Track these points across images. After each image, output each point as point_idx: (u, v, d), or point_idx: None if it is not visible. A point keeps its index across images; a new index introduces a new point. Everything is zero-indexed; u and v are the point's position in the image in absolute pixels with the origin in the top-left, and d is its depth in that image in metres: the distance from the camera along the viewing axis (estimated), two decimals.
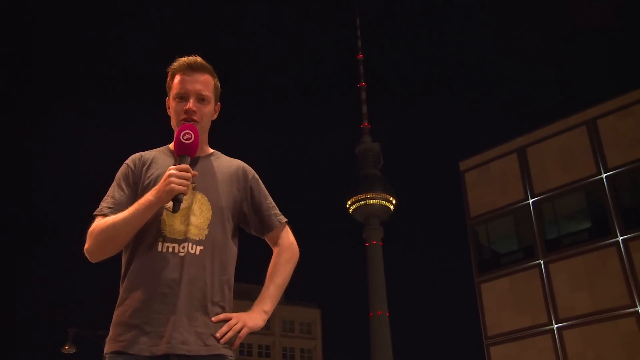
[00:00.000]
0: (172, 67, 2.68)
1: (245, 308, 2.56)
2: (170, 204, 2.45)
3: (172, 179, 2.36)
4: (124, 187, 2.59)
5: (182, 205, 2.46)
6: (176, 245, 2.44)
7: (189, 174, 2.39)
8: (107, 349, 2.38)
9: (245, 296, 27.12)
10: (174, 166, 2.42)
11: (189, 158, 2.48)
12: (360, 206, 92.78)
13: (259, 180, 2.76)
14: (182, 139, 2.46)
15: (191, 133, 2.47)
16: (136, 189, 2.57)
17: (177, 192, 2.36)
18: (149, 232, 2.46)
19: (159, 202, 2.39)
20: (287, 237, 2.75)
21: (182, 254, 2.42)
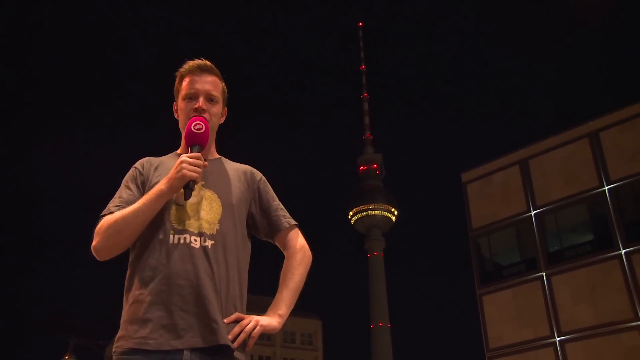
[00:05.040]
0: (181, 70, 2.69)
1: None
2: (180, 199, 2.44)
3: (184, 165, 2.35)
4: (131, 187, 2.56)
5: (191, 201, 2.44)
6: (187, 236, 2.39)
7: (200, 162, 2.39)
8: (120, 346, 2.30)
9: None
10: (186, 154, 2.41)
11: (201, 148, 2.48)
12: (362, 217, 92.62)
13: (267, 183, 2.75)
14: (193, 129, 2.48)
15: (202, 123, 2.49)
16: (144, 190, 2.53)
17: (189, 179, 2.35)
18: (159, 226, 2.41)
19: (170, 190, 2.37)
20: (297, 239, 2.68)
21: (195, 246, 2.38)
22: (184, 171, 2.34)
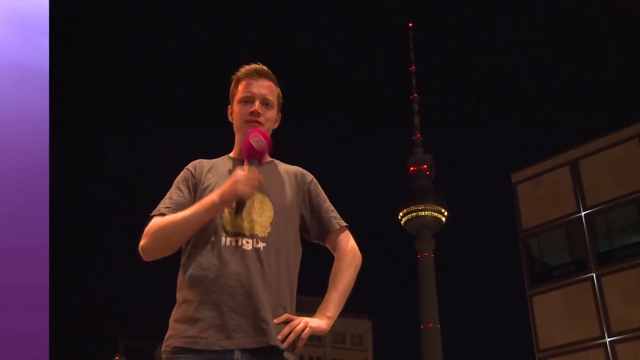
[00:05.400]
0: (238, 74, 2.69)
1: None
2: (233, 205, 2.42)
3: (240, 180, 2.33)
4: (182, 189, 2.56)
5: None
6: (240, 238, 2.39)
7: (256, 181, 2.36)
8: (169, 344, 2.32)
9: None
10: (243, 170, 2.38)
11: (259, 163, 2.46)
12: (412, 218, 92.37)
13: (318, 184, 2.73)
14: (253, 144, 2.42)
15: (263, 140, 2.44)
16: (195, 192, 2.54)
17: (243, 197, 2.35)
18: (211, 228, 2.42)
19: (222, 204, 2.36)
20: (348, 241, 2.65)
21: (247, 248, 2.38)
22: (238, 191, 2.33)
